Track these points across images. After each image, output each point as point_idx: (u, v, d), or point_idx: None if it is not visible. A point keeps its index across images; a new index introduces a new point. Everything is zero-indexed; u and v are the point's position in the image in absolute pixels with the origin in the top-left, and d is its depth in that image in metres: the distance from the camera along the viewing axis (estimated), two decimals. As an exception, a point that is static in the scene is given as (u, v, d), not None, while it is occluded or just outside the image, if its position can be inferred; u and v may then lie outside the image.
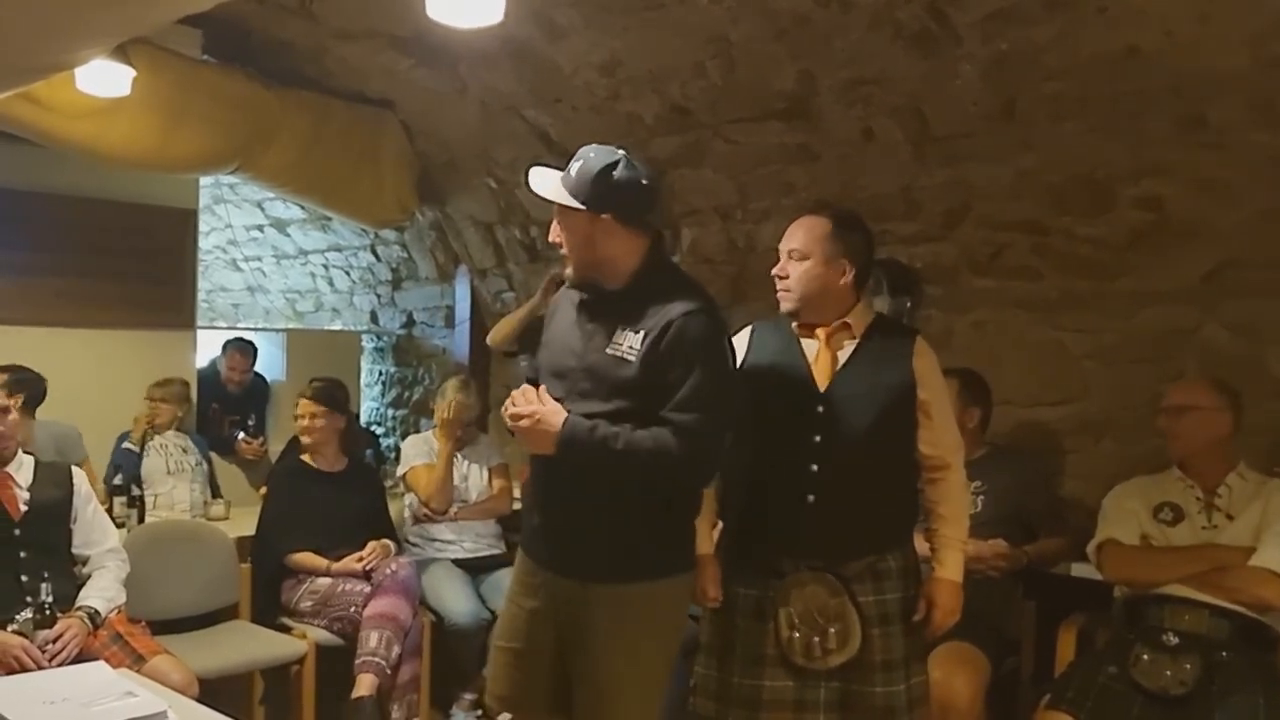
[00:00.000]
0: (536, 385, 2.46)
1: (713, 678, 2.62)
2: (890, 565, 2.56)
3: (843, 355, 2.58)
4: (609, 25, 3.85)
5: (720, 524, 2.69)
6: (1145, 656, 2.79)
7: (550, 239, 2.47)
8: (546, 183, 2.42)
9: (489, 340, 4.49)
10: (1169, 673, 2.74)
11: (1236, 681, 2.70)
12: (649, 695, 2.46)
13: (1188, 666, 2.73)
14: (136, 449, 4.54)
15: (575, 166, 2.39)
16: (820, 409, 2.53)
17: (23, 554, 3.10)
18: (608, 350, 2.38)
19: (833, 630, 2.47)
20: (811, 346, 2.61)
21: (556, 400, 2.38)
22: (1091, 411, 3.73)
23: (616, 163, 2.36)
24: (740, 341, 2.62)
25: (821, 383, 2.55)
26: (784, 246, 2.61)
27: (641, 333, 2.35)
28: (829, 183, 4.06)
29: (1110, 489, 3.14)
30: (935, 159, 3.73)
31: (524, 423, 2.35)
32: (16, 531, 3.12)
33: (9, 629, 2.89)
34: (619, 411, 2.33)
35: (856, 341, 2.59)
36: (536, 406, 2.35)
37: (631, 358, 2.34)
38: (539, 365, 2.57)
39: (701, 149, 4.31)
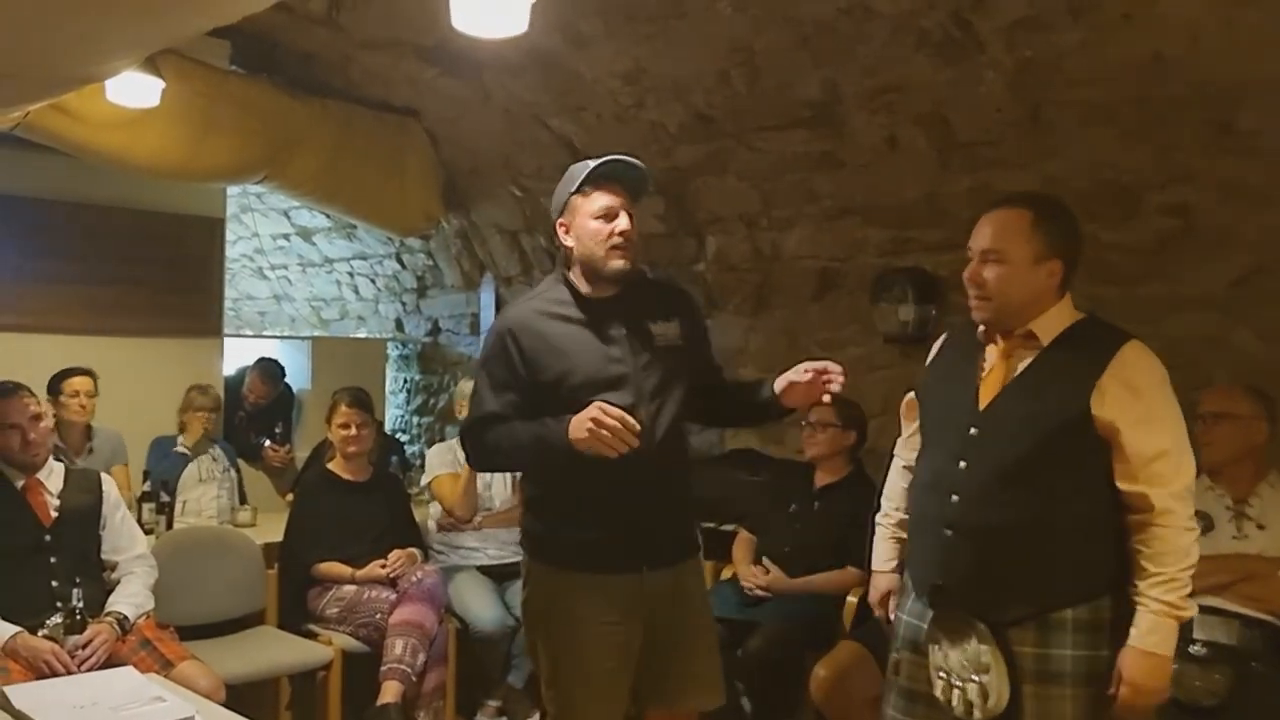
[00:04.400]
0: (527, 414, 2.41)
1: None
2: (1067, 617, 2.10)
3: (1018, 370, 2.19)
4: (633, 34, 3.86)
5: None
6: (1174, 667, 2.75)
7: (629, 234, 2.39)
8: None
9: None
10: (1199, 683, 2.70)
11: (1269, 693, 2.67)
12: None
13: (1218, 677, 2.69)
14: (189, 453, 4.58)
15: (629, 158, 2.45)
16: (973, 431, 2.18)
17: (53, 560, 3.12)
18: (657, 344, 2.46)
19: (976, 681, 2.11)
20: (991, 356, 2.25)
21: (629, 408, 2.29)
22: (1119, 419, 3.69)
23: None
24: (933, 352, 2.42)
25: (984, 402, 2.19)
26: (975, 246, 2.19)
27: (675, 320, 2.50)
28: (853, 190, 4.05)
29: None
30: (960, 166, 3.72)
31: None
32: (47, 538, 3.15)
33: (39, 634, 2.91)
34: (686, 391, 2.49)
35: (1038, 352, 2.18)
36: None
37: (680, 343, 2.50)
38: (567, 387, 2.37)
39: (725, 157, 4.31)
